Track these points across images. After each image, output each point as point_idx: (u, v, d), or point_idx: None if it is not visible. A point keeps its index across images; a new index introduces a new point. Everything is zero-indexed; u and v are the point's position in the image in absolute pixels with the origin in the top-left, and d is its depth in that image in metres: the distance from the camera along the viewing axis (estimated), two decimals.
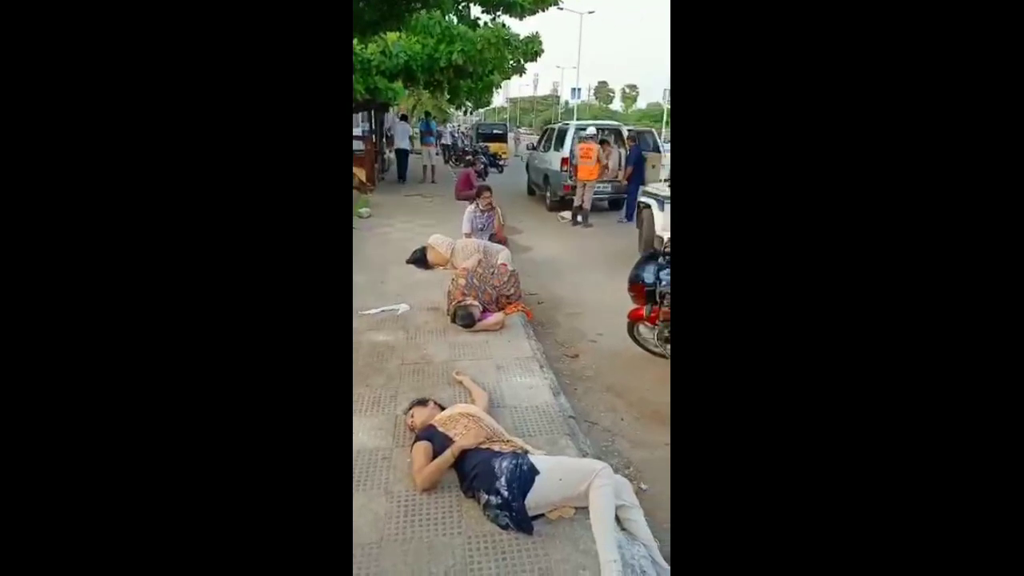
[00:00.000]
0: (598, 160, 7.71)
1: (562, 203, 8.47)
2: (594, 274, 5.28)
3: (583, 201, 7.71)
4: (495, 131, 17.84)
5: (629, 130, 9.17)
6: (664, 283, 2.84)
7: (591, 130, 8.49)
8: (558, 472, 1.69)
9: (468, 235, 4.77)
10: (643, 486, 2.27)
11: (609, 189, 8.47)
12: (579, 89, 26.61)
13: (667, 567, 1.67)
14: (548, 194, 9.00)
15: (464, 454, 1.81)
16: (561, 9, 8.97)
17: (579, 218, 7.75)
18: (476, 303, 3.42)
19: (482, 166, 11.28)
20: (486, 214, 4.90)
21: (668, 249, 3.02)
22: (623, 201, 8.32)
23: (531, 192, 10.50)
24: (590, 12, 25.30)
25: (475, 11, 8.96)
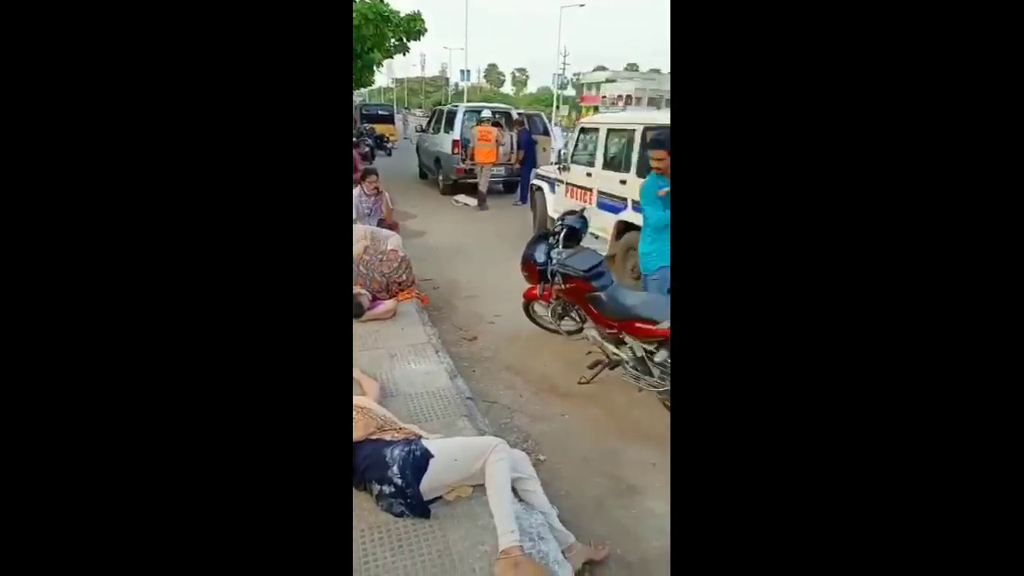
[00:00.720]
0: (497, 143, 7.72)
1: (455, 187, 8.39)
2: (491, 257, 5.31)
3: (481, 185, 7.69)
4: (380, 112, 17.13)
5: (519, 113, 9.28)
6: (555, 261, 2.92)
7: (487, 112, 8.46)
8: (453, 453, 1.68)
9: (353, 221, 4.55)
10: (541, 457, 2.34)
11: (503, 172, 8.54)
12: (468, 71, 26.40)
13: (566, 532, 1.73)
14: (440, 177, 8.87)
15: (354, 447, 1.72)
16: None
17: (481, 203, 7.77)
18: (364, 292, 3.27)
19: (367, 148, 10.75)
20: (372, 198, 4.70)
21: (558, 228, 3.10)
22: (517, 184, 8.44)
23: (423, 176, 10.27)
24: None
25: None
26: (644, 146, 3.83)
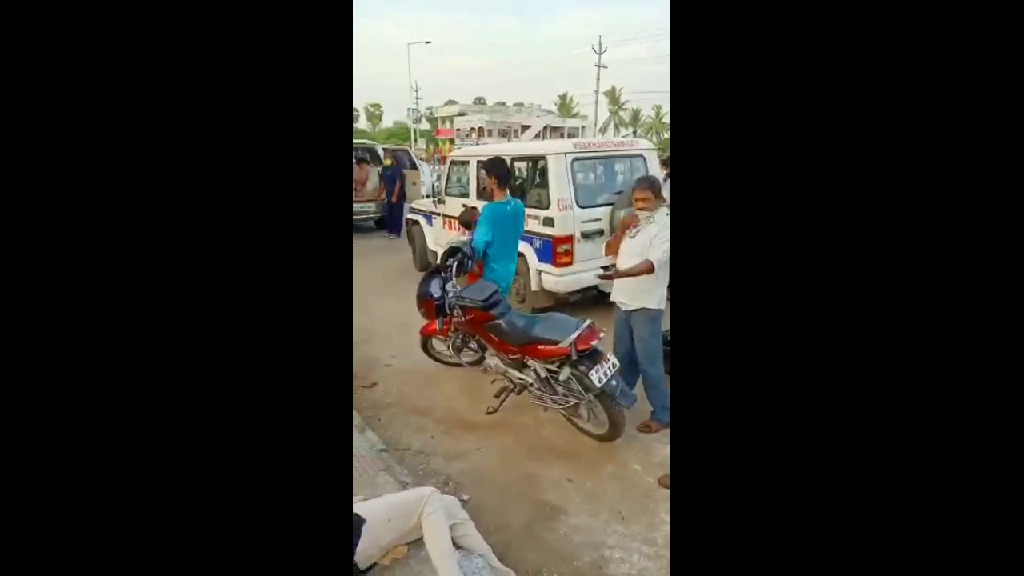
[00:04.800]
0: (361, 182, 7.46)
1: None
2: (373, 297, 5.14)
3: None
4: None
5: (384, 149, 9.20)
6: (451, 295, 2.93)
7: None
8: (384, 513, 1.59)
9: None
10: (464, 497, 2.31)
11: (372, 208, 8.35)
12: None
13: (505, 569, 1.73)
14: None
15: None
16: None
17: None
18: None
19: None
20: None
21: (450, 261, 3.12)
22: (385, 219, 8.30)
23: None
24: None
25: None
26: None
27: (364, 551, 1.53)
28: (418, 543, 1.62)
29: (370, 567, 1.57)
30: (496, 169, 3.11)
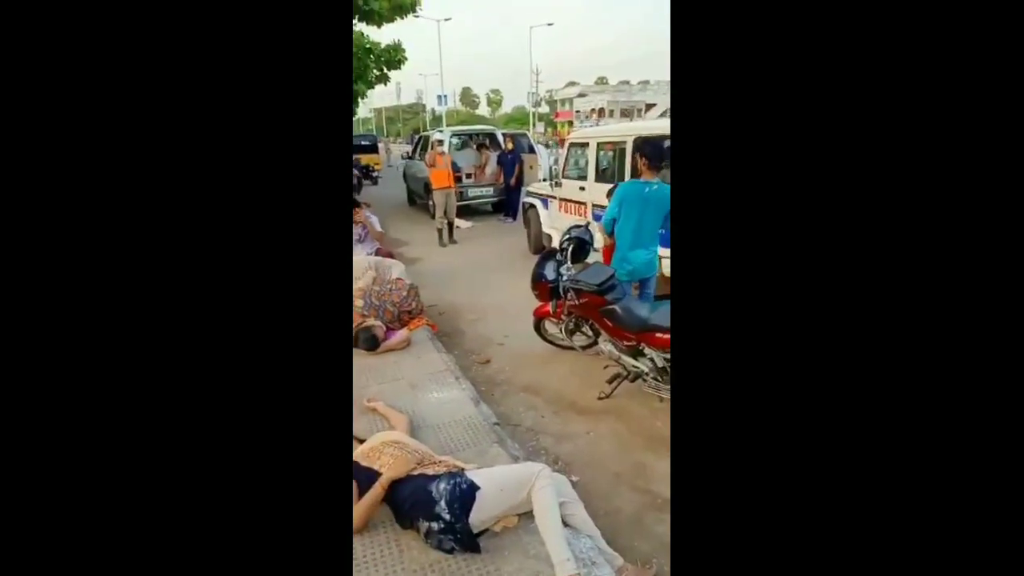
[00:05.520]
0: (482, 165, 7.59)
1: None
2: (489, 277, 5.31)
3: (445, 213, 6.97)
4: (363, 143, 17.24)
5: (504, 134, 9.38)
6: (566, 278, 2.93)
7: (437, 135, 8.25)
8: (497, 483, 1.65)
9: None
10: (573, 478, 2.32)
11: (491, 192, 8.59)
12: (445, 96, 26.68)
13: (613, 553, 1.71)
14: (431, 202, 8.91)
15: (395, 485, 1.70)
16: (418, 17, 8.91)
17: (445, 237, 7.06)
18: (378, 323, 3.25)
19: (355, 180, 10.81)
20: (360, 225, 4.78)
21: (566, 244, 3.12)
22: (503, 203, 8.48)
23: (411, 202, 10.30)
24: (446, 19, 25.53)
25: None
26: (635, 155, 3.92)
27: (478, 516, 1.60)
28: (528, 515, 1.66)
29: (482, 531, 1.64)
30: (645, 149, 2.97)
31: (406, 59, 8.69)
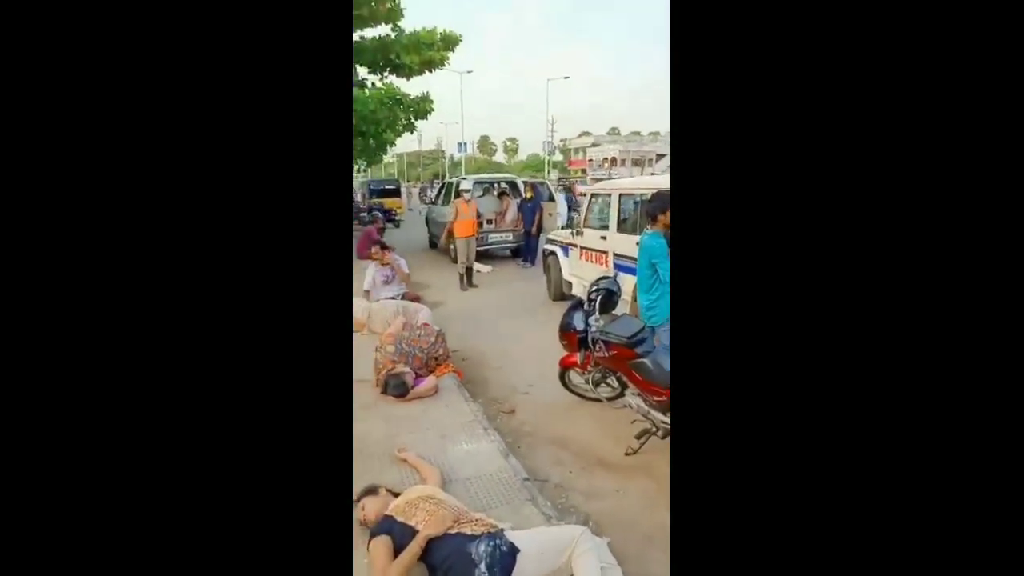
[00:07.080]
0: (478, 216, 7.64)
1: None
2: (511, 323, 5.32)
3: (467, 259, 7.10)
4: (387, 187, 17.73)
5: (525, 182, 9.62)
6: (595, 328, 2.93)
7: (465, 184, 8.49)
8: (538, 546, 1.62)
9: (367, 293, 4.80)
10: (605, 539, 2.25)
11: (510, 238, 8.73)
12: (465, 144, 27.59)
13: None
14: (452, 247, 9.06)
15: (431, 543, 1.66)
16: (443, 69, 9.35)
17: (465, 282, 7.12)
18: (408, 370, 3.26)
19: (383, 224, 11.10)
20: (387, 267, 4.94)
21: (594, 295, 3.14)
22: (520, 248, 8.60)
23: (432, 245, 10.49)
24: (468, 72, 26.75)
25: (361, 72, 9.03)
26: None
27: None
28: None
29: None
30: (645, 204, 3.10)
31: (433, 109, 9.06)
